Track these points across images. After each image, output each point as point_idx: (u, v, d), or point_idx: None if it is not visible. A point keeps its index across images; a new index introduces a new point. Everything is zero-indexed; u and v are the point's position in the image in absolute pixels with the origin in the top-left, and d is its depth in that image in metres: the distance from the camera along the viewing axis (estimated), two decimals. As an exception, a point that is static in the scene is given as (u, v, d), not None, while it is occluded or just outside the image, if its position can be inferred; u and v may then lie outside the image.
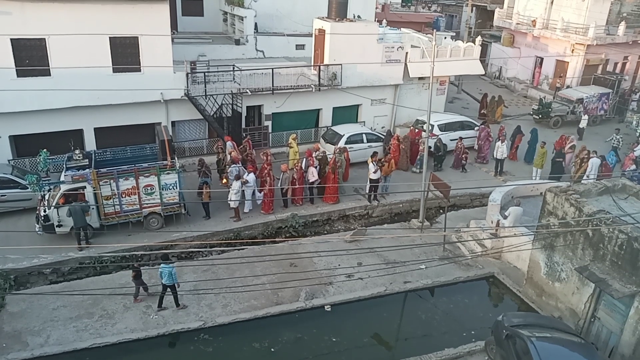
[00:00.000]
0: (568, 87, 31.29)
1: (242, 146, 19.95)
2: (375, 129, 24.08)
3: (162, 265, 13.20)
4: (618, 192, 13.50)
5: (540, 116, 27.95)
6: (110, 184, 15.57)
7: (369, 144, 21.77)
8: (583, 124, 26.58)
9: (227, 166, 18.88)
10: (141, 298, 13.86)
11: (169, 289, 13.37)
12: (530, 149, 23.30)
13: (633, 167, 20.19)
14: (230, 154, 19.16)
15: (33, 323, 12.83)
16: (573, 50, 32.28)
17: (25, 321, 12.88)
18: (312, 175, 18.71)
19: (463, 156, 22.09)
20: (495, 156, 21.94)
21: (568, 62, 32.84)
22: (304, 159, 19.10)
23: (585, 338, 11.97)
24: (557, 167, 21.11)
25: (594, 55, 32.11)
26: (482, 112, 28.77)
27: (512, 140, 23.74)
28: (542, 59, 34.83)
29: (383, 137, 22.70)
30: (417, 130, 22.99)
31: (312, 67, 23.31)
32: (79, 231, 15.32)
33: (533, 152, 22.93)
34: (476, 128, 24.30)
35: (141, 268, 13.83)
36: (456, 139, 23.12)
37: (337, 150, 19.94)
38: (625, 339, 11.53)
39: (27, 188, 16.50)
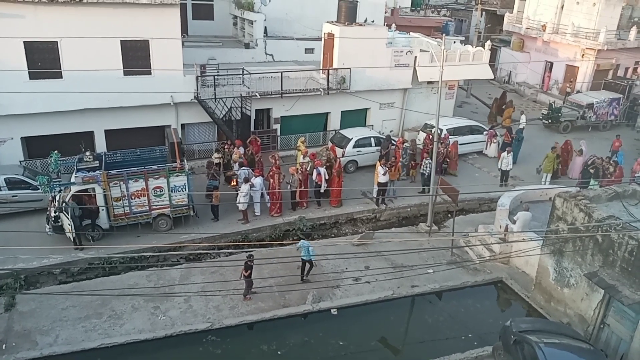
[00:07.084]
0: (578, 92, 31.09)
1: (247, 148, 20.06)
2: (383, 133, 24.07)
3: (302, 241, 14.75)
4: (628, 198, 13.40)
5: (549, 121, 27.79)
6: (120, 185, 15.71)
7: (377, 147, 21.73)
8: (522, 125, 25.66)
9: (232, 166, 19.15)
10: (251, 296, 14.07)
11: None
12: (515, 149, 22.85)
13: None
14: (235, 155, 19.34)
15: (42, 322, 12.95)
16: (583, 55, 32.09)
17: (34, 320, 13.01)
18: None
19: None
20: (499, 167, 21.28)
21: (578, 67, 32.63)
22: (310, 162, 19.13)
23: (594, 345, 11.88)
24: (586, 174, 20.46)
25: (604, 60, 31.94)
26: (502, 107, 28.45)
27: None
28: (552, 63, 34.65)
29: (382, 140, 22.10)
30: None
31: (321, 71, 23.37)
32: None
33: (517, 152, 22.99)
34: (485, 132, 24.22)
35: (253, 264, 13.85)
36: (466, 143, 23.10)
37: (325, 148, 20.30)
38: (635, 346, 11.42)
39: (38, 189, 16.66)
